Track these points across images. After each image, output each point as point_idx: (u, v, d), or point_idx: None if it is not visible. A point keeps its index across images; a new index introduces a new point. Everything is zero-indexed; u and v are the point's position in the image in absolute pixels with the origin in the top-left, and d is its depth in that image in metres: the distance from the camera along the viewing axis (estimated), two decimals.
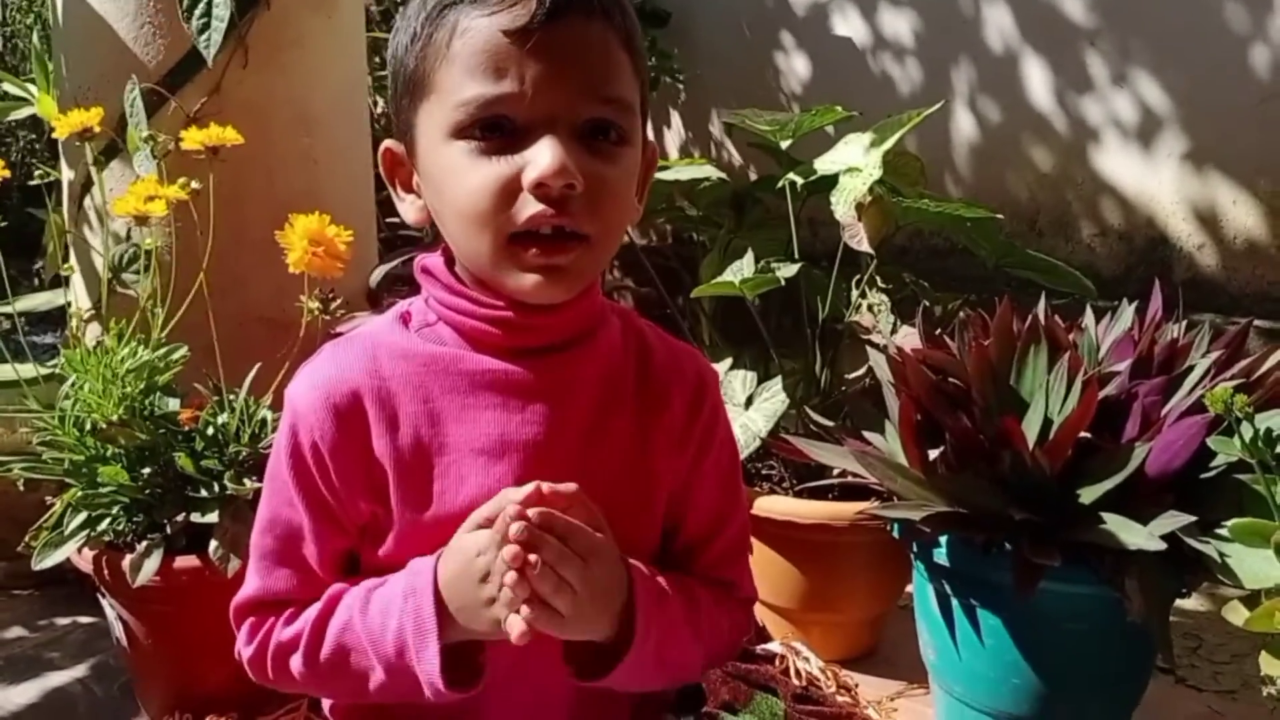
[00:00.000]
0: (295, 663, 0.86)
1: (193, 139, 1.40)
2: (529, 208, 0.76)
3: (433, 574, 0.81)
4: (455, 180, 0.78)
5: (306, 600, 0.87)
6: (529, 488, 0.78)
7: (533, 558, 0.75)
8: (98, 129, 1.45)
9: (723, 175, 1.99)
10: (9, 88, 2.15)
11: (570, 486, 0.80)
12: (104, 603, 1.44)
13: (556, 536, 0.77)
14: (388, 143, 0.87)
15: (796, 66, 2.84)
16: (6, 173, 1.43)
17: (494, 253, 0.79)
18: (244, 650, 0.89)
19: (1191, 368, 1.28)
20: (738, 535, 0.96)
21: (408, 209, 0.87)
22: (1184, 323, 1.40)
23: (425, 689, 0.80)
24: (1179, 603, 1.28)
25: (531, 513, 0.76)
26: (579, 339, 0.87)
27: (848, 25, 2.71)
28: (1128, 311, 1.41)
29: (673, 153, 3.15)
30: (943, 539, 1.30)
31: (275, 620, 0.88)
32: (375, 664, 0.83)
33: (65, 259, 1.73)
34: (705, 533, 0.94)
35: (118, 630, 1.43)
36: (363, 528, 0.87)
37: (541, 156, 0.75)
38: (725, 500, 0.95)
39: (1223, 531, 1.14)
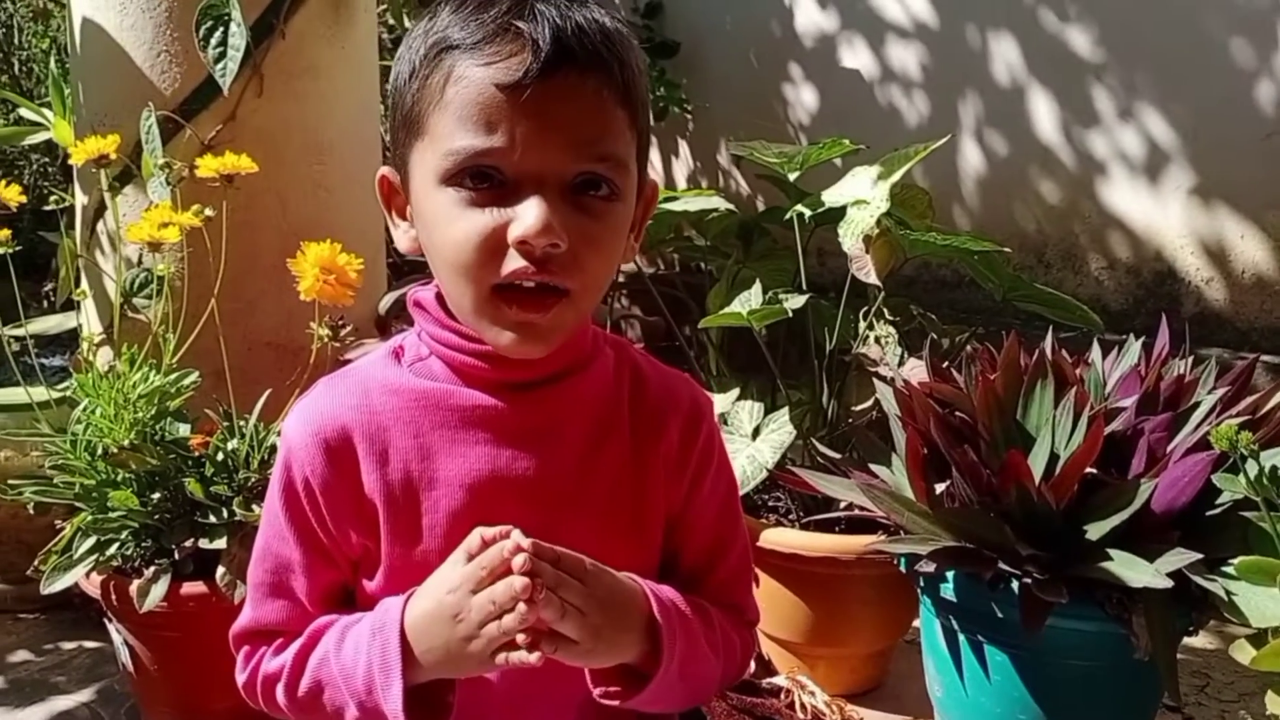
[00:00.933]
0: (279, 694, 0.88)
1: (208, 167, 1.42)
2: (512, 263, 0.77)
3: (400, 611, 0.81)
4: (443, 226, 0.79)
5: (297, 631, 0.88)
6: (500, 528, 0.79)
7: (539, 583, 0.76)
8: (114, 156, 1.47)
9: (730, 207, 2.00)
10: (26, 113, 2.18)
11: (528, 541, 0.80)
12: (110, 627, 1.44)
13: (548, 562, 0.77)
14: (384, 170, 0.88)
15: (804, 98, 2.86)
16: (22, 198, 1.45)
17: (476, 304, 0.80)
18: (239, 677, 0.91)
19: (1198, 404, 1.28)
20: (740, 560, 0.97)
21: (401, 236, 0.88)
22: (1191, 358, 1.40)
23: None
24: (1188, 640, 1.27)
25: (526, 543, 0.77)
26: (570, 371, 0.87)
27: (855, 57, 2.73)
28: (1135, 347, 1.41)
29: (680, 182, 3.17)
30: (949, 574, 1.29)
31: (267, 649, 0.89)
32: (348, 700, 0.83)
33: (77, 283, 1.74)
34: (706, 560, 0.94)
35: (124, 655, 1.43)
36: (355, 561, 0.88)
37: (527, 214, 0.75)
38: (725, 527, 0.95)
39: (1229, 569, 1.14)
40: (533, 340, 0.80)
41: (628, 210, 0.83)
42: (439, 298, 0.87)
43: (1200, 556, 1.14)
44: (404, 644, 0.80)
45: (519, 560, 0.76)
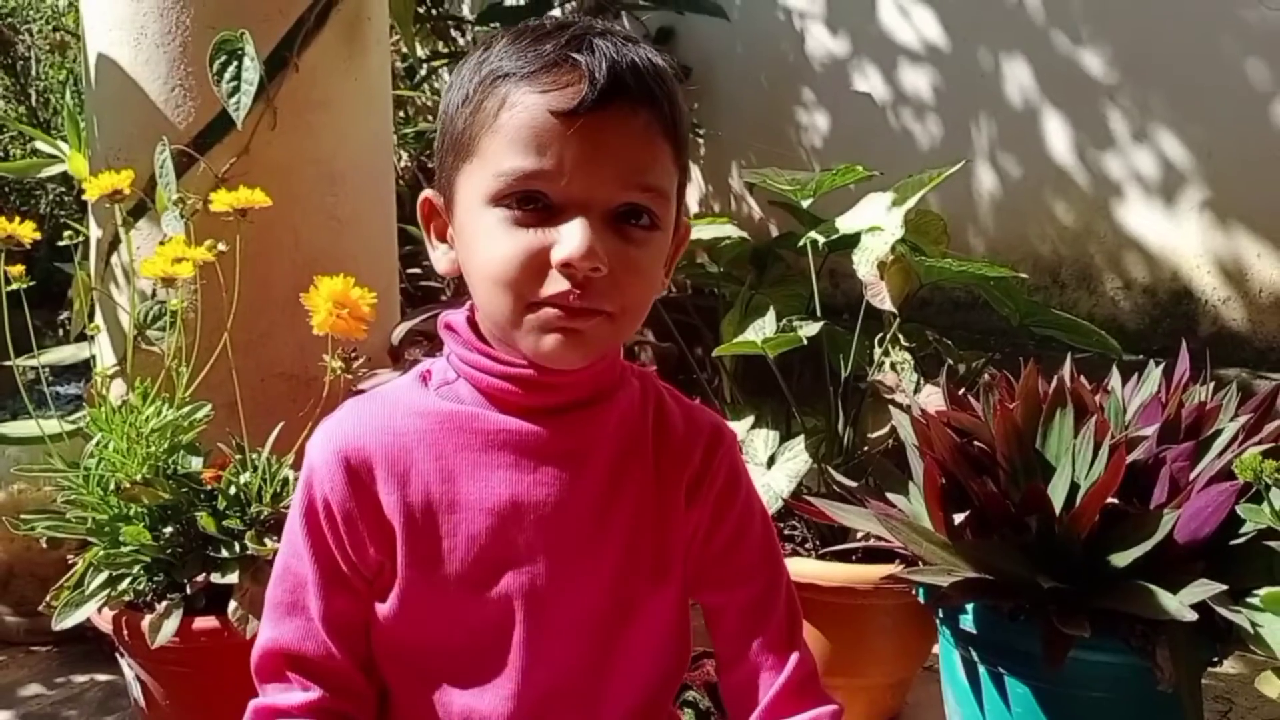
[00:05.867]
0: None
1: (222, 201, 1.42)
2: (554, 285, 0.78)
3: None
4: (487, 244, 0.80)
5: (312, 655, 0.86)
6: None
7: None
8: (128, 191, 1.47)
9: (744, 234, 1.99)
10: (41, 145, 2.19)
11: None
12: (122, 662, 1.43)
13: None
14: (427, 192, 0.89)
15: (817, 122, 2.86)
16: (37, 234, 1.45)
17: (515, 314, 0.80)
18: (255, 700, 0.89)
19: (1219, 431, 1.27)
20: (789, 598, 0.94)
21: (439, 258, 0.89)
22: (1212, 384, 1.38)
23: None
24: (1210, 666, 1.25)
25: None
26: (598, 399, 0.88)
27: (867, 81, 2.73)
28: (1155, 373, 1.40)
29: (693, 207, 3.17)
30: (969, 605, 1.28)
31: (280, 689, 0.87)
32: None
33: (91, 316, 1.74)
34: (759, 602, 0.92)
35: (135, 690, 1.42)
36: (372, 581, 0.87)
37: (571, 238, 0.77)
38: (770, 569, 0.93)
39: (1255, 600, 1.12)
40: (574, 346, 0.80)
41: (666, 240, 0.85)
42: (470, 321, 0.87)
43: (1224, 588, 1.12)
44: None
45: None
